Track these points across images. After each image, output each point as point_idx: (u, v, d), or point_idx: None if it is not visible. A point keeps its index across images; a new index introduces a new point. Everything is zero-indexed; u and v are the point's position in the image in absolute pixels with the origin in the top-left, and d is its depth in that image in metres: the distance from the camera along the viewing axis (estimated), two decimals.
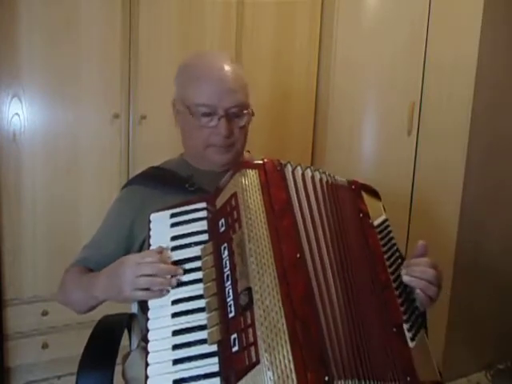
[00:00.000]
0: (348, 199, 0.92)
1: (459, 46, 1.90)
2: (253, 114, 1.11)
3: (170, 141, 1.97)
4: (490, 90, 1.91)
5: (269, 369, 0.68)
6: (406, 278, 0.84)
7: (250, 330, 0.71)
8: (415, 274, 0.84)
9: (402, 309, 0.82)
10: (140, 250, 1.07)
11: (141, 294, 0.83)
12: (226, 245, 0.82)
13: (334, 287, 0.80)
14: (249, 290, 0.75)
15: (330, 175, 0.93)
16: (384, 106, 2.20)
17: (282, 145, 2.32)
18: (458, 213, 1.92)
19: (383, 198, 1.03)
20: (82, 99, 1.86)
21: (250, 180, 0.85)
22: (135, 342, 1.13)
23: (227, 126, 1.03)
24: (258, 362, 0.69)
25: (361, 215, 0.91)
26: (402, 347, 0.77)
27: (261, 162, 0.88)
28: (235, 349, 0.72)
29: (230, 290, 0.78)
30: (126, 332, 1.12)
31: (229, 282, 0.79)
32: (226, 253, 0.82)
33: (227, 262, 0.81)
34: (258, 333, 0.70)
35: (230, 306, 0.76)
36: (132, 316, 1.17)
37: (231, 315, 0.75)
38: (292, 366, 0.68)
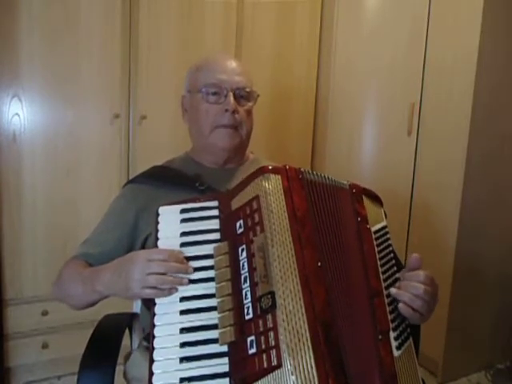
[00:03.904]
0: (347, 202, 0.91)
1: (459, 46, 1.90)
2: (258, 95, 1.17)
3: (170, 141, 1.99)
4: (490, 90, 1.91)
5: (292, 373, 0.68)
6: (393, 291, 0.84)
7: (272, 334, 0.71)
8: (404, 287, 0.84)
9: (390, 317, 0.81)
10: (143, 246, 1.08)
11: (149, 292, 0.82)
12: (244, 246, 0.81)
13: (347, 294, 0.81)
14: (272, 293, 0.74)
15: (331, 178, 0.92)
16: (384, 106, 2.20)
17: (282, 145, 2.33)
18: (458, 213, 1.92)
19: (383, 198, 1.02)
20: (82, 99, 1.86)
21: (273, 185, 0.85)
22: (136, 341, 1.13)
23: (233, 101, 1.09)
24: (279, 365, 0.69)
25: (359, 219, 0.90)
26: (385, 355, 0.77)
27: (283, 167, 0.88)
28: (252, 351, 0.72)
29: (248, 292, 0.77)
30: (127, 332, 1.12)
31: (247, 284, 0.78)
32: (245, 254, 0.81)
33: (245, 264, 0.80)
34: (281, 337, 0.70)
35: (248, 307, 0.75)
36: (133, 315, 1.17)
37: (248, 317, 0.75)
38: (314, 372, 0.69)
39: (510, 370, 2.14)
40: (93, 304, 1.00)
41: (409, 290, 0.83)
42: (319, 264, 0.79)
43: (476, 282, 2.04)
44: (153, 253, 0.85)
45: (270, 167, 0.87)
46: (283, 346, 0.69)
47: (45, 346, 1.89)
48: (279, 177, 0.86)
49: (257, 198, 0.84)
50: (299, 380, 0.68)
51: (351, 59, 2.25)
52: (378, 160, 2.25)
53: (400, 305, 0.82)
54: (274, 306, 0.73)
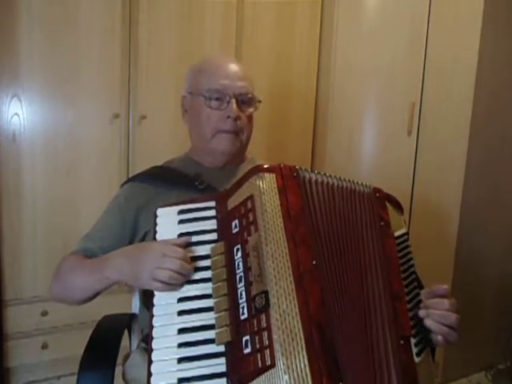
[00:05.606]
0: (370, 206, 0.91)
1: (459, 46, 1.90)
2: (259, 101, 1.16)
3: (169, 141, 1.98)
4: (490, 90, 1.91)
5: (285, 372, 0.67)
6: (428, 322, 0.82)
7: (265, 333, 0.71)
8: (436, 317, 0.82)
9: (411, 323, 0.81)
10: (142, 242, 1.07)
11: (157, 286, 0.82)
12: (239, 246, 0.82)
13: (347, 294, 0.80)
14: (265, 293, 0.74)
15: (352, 181, 0.92)
16: (384, 106, 2.20)
17: (282, 145, 2.32)
18: (459, 213, 1.92)
19: None
20: (82, 99, 1.86)
21: (267, 184, 0.85)
22: (135, 342, 1.13)
23: (236, 108, 1.09)
24: (273, 364, 0.69)
25: (382, 223, 0.90)
26: (407, 360, 0.77)
27: (277, 166, 0.87)
28: (247, 350, 0.72)
29: (243, 292, 0.77)
30: (126, 333, 1.12)
31: (242, 284, 0.78)
32: (240, 254, 0.81)
33: (240, 264, 0.80)
34: (275, 336, 0.70)
35: (243, 307, 0.76)
36: (132, 316, 1.17)
37: (244, 317, 0.75)
38: (308, 371, 0.68)
39: (511, 370, 2.14)
40: (94, 296, 1.00)
41: (445, 322, 0.82)
42: (314, 262, 0.78)
43: (476, 281, 2.04)
44: (168, 249, 0.84)
45: (265, 166, 0.87)
46: (277, 346, 0.69)
47: (45, 346, 1.89)
48: (273, 175, 0.86)
49: (251, 197, 0.84)
50: (292, 379, 0.67)
51: (351, 59, 2.25)
52: (378, 160, 2.24)
53: (439, 337, 0.82)
54: (267, 305, 0.73)
